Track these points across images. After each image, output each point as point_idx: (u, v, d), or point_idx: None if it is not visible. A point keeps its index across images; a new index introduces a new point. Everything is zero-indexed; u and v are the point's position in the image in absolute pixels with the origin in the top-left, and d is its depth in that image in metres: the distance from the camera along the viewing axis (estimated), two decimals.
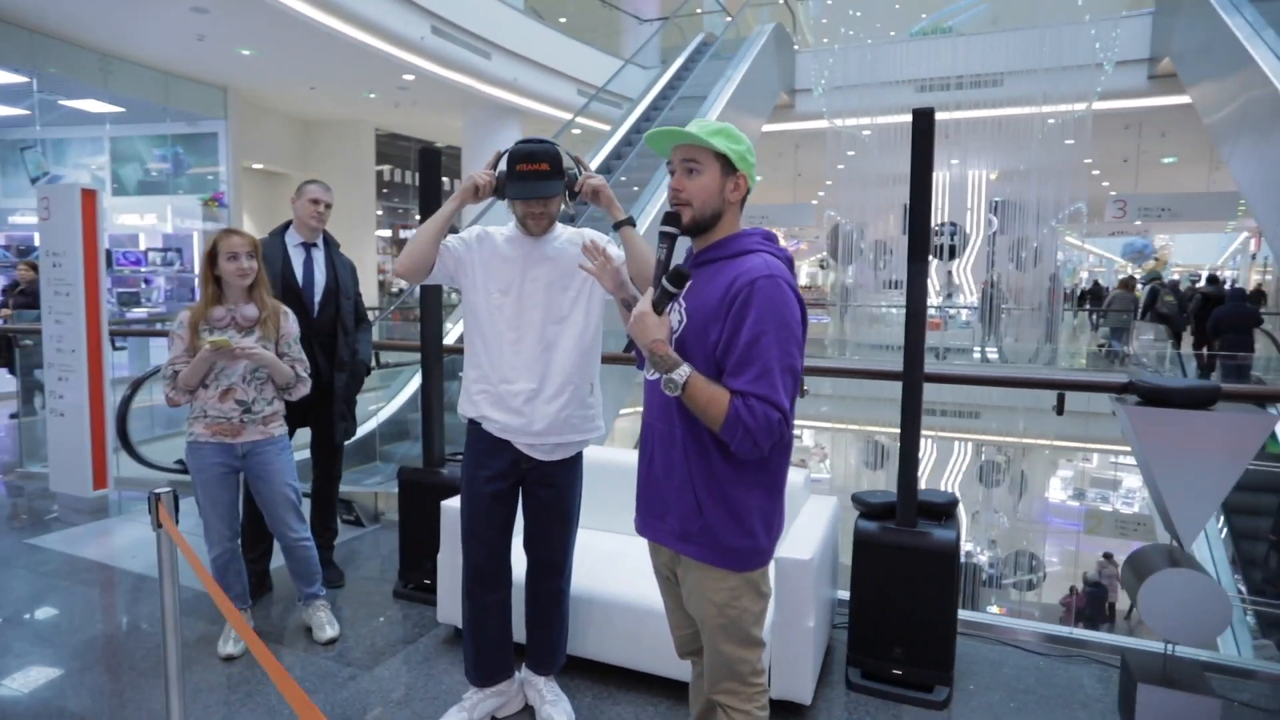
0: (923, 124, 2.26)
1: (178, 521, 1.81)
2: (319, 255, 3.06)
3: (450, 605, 2.68)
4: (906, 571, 2.35)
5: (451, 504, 2.64)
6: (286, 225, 3.05)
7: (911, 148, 2.28)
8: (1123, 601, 9.59)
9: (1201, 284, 13.43)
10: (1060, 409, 2.77)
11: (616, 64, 12.27)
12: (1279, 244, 7.16)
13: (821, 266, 24.94)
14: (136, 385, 4.27)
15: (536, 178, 1.93)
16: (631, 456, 2.64)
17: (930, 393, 2.48)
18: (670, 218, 1.45)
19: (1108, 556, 9.85)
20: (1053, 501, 11.76)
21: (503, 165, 2.00)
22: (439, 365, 3.11)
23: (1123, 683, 2.03)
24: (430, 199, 2.99)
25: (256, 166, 12.42)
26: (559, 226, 2.11)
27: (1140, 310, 12.18)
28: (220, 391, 2.46)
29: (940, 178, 16.61)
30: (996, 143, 12.51)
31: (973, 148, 13.92)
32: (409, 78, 10.18)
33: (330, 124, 12.83)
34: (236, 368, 2.46)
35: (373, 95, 11.30)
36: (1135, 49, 10.77)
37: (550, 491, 2.10)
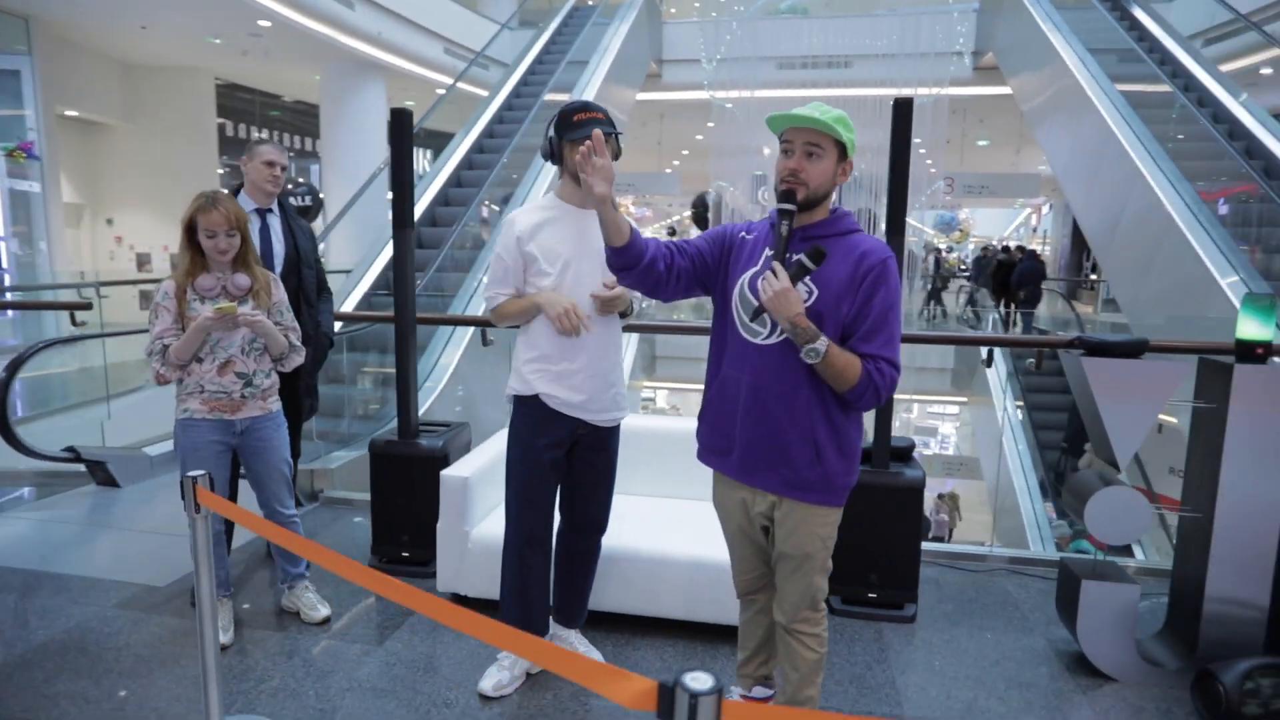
0: (902, 111, 2.54)
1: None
2: (275, 222, 2.89)
3: (451, 574, 2.70)
4: (883, 507, 2.69)
5: (455, 474, 2.64)
6: (238, 189, 2.84)
7: (891, 133, 2.56)
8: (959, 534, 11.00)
9: (1003, 253, 15.51)
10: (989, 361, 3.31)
11: (483, 23, 11.90)
12: (1085, 213, 8.37)
13: (671, 233, 25.76)
14: (15, 367, 3.76)
15: (595, 123, 1.99)
16: (636, 423, 2.79)
17: None
18: (786, 195, 1.60)
19: (941, 496, 11.21)
20: None
21: (550, 131, 2.09)
22: (413, 335, 3.06)
23: (1062, 585, 2.49)
24: (401, 165, 2.91)
25: (71, 114, 10.84)
26: None
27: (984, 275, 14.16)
28: (219, 365, 2.31)
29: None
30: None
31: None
32: (265, 24, 9.31)
33: (162, 70, 11.42)
34: (234, 338, 2.32)
35: (218, 41, 10.21)
36: (964, 42, 12.02)
37: (602, 456, 2.20)
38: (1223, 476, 2.24)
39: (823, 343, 1.54)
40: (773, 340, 1.64)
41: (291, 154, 10.21)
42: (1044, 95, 9.49)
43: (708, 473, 1.91)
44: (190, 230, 2.28)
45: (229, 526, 2.85)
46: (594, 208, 1.63)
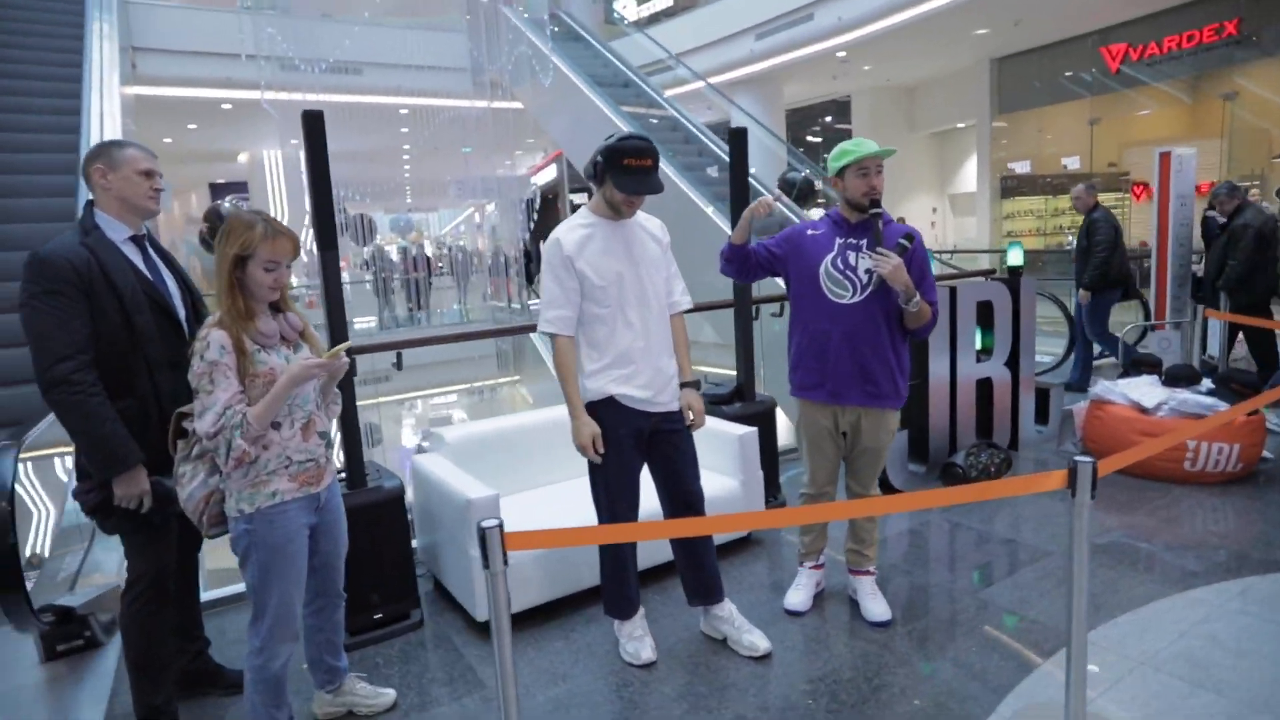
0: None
1: None
2: (152, 251, 2.22)
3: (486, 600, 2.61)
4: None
5: (483, 495, 2.57)
6: (89, 213, 2.09)
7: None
8: None
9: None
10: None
11: None
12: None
13: None
14: None
15: (645, 173, 2.28)
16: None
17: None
18: (875, 203, 2.37)
19: None
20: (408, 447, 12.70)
21: (599, 157, 2.28)
22: (351, 370, 2.68)
23: None
24: (318, 165, 2.53)
25: None
26: None
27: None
28: (302, 426, 1.87)
29: (273, 155, 16.52)
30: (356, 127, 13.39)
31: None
32: None
33: None
34: (307, 391, 1.90)
35: None
36: (460, 60, 13.22)
37: (681, 434, 2.45)
38: (930, 359, 3.87)
39: (918, 298, 2.37)
40: (858, 299, 2.41)
41: None
42: (548, 98, 11.34)
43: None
44: (238, 263, 1.79)
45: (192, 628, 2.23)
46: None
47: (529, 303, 14.80)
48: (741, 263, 2.54)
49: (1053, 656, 2.36)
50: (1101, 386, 4.13)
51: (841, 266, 2.43)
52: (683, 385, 2.45)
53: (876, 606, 2.62)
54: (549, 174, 20.43)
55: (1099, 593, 2.73)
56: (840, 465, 2.66)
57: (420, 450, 3.31)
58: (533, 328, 2.82)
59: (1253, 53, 10.23)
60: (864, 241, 2.42)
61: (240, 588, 3.04)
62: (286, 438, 1.85)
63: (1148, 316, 6.06)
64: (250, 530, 1.83)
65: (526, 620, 2.71)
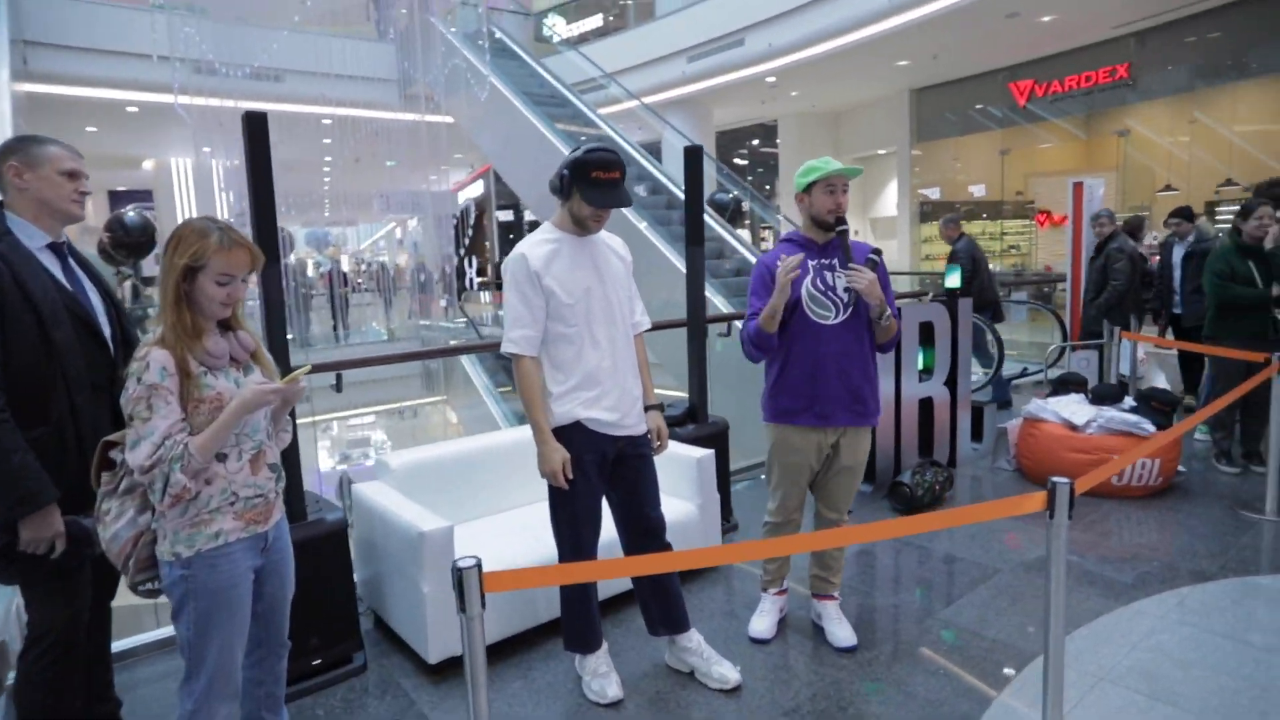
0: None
1: None
2: (72, 260, 2.00)
3: (447, 639, 2.45)
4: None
5: (437, 526, 2.42)
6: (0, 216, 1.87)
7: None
8: None
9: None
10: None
11: None
12: (528, 194, 10.36)
13: None
14: None
15: (613, 186, 2.19)
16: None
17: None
18: (841, 220, 2.37)
19: None
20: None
21: (565, 171, 2.18)
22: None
23: None
24: (260, 172, 2.35)
25: None
26: None
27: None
28: (251, 458, 1.69)
29: (183, 163, 15.66)
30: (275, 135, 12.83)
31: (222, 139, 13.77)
32: None
33: None
34: (258, 419, 1.73)
35: None
36: (388, 70, 12.90)
37: (645, 459, 2.35)
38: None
39: (888, 312, 2.38)
40: (841, 319, 2.40)
41: None
42: (479, 111, 11.16)
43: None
44: (186, 275, 1.61)
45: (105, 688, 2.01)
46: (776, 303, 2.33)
47: (457, 320, 14.51)
48: (771, 342, 2.43)
49: (1020, 674, 2.38)
50: (1034, 405, 4.29)
51: (821, 287, 2.42)
52: (647, 408, 2.37)
53: (842, 631, 2.60)
54: (475, 190, 20.12)
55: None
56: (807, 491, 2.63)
57: (345, 475, 3.14)
58: (495, 346, 2.69)
59: (1140, 95, 11.07)
60: (835, 260, 2.42)
61: (156, 634, 2.77)
62: (233, 471, 1.67)
63: (1065, 337, 6.39)
64: (188, 576, 1.63)
65: None
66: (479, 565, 1.47)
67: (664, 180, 9.24)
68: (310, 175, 17.99)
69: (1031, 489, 4.11)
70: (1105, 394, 4.17)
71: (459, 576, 1.46)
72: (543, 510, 2.34)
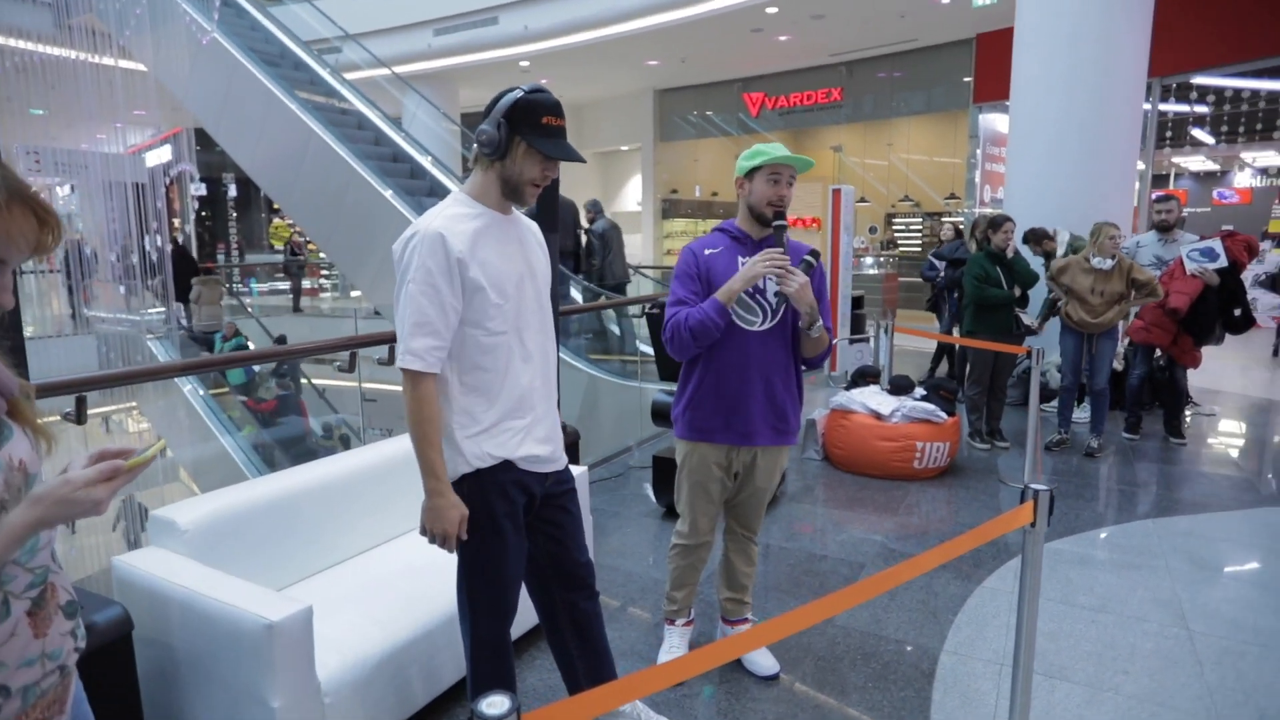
0: None
1: None
2: None
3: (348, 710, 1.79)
4: None
5: (290, 611, 1.74)
6: None
7: None
8: None
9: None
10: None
11: None
12: (259, 170, 8.81)
13: None
14: None
15: (563, 136, 1.65)
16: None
17: None
18: (780, 214, 2.10)
19: None
20: None
21: (500, 117, 1.60)
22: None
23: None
24: None
25: None
26: None
27: None
28: (29, 611, 0.97)
29: None
30: None
31: None
32: None
33: None
34: (41, 537, 0.99)
35: None
36: None
37: (570, 494, 1.91)
38: None
39: (820, 322, 2.16)
40: (769, 325, 2.16)
41: None
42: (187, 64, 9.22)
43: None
44: None
45: None
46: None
47: (145, 312, 11.94)
48: (716, 335, 2.11)
49: (937, 673, 2.39)
50: (843, 396, 4.54)
51: (750, 289, 2.14)
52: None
53: (764, 659, 2.40)
54: (163, 155, 16.80)
55: (925, 600, 2.90)
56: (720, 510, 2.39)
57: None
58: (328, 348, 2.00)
59: (847, 117, 12.73)
60: None
61: None
62: (2, 633, 0.94)
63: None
64: None
65: None
66: (517, 710, 0.97)
67: (407, 148, 8.45)
68: None
69: (845, 478, 4.36)
70: (901, 385, 4.55)
71: None
72: (384, 556, 1.78)
